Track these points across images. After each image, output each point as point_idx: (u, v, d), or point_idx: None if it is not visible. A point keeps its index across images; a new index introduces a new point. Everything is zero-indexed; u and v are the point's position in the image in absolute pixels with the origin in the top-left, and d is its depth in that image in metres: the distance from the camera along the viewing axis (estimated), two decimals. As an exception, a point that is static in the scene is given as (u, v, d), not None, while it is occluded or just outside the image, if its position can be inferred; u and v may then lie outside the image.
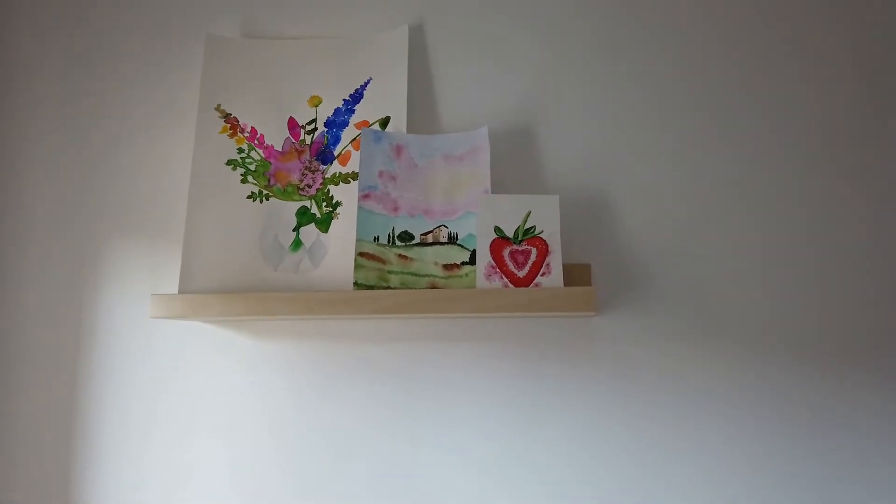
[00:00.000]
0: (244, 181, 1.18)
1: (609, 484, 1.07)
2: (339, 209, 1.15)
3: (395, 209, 1.11)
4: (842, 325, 1.07)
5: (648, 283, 1.11)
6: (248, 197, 1.17)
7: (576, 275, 1.09)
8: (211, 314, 1.06)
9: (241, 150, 1.19)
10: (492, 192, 1.11)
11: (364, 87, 1.19)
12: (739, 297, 1.09)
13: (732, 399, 1.07)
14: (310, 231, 1.15)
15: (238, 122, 1.20)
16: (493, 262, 1.05)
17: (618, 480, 1.07)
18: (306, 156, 1.18)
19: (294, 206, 1.17)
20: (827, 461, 1.04)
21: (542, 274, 1.04)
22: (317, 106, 1.20)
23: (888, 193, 1.09)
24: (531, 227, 1.06)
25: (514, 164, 1.16)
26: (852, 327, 1.07)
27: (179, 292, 1.11)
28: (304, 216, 1.16)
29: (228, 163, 1.18)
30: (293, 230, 1.16)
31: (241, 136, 1.19)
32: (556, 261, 1.05)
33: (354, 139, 1.17)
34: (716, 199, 1.12)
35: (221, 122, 1.19)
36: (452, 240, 1.10)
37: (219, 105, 1.20)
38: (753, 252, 1.10)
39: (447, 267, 1.09)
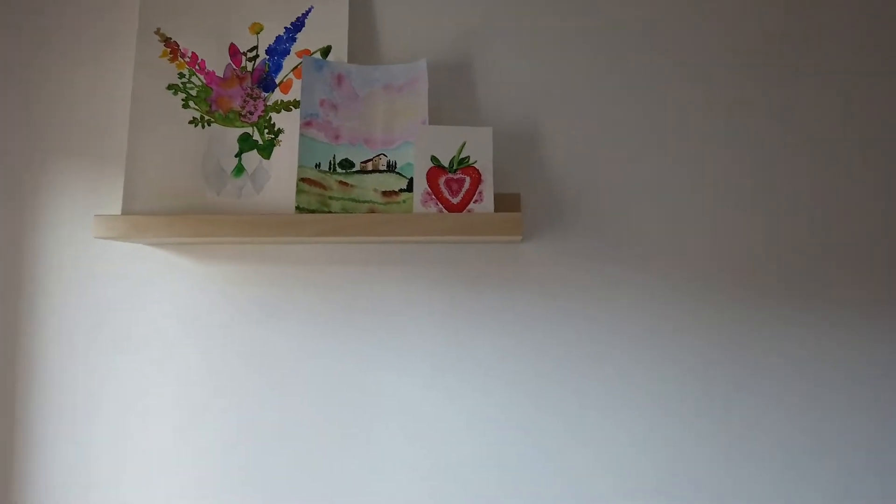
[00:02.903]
0: (185, 106, 1.19)
1: (535, 390, 1.17)
2: (280, 136, 1.19)
3: (337, 137, 1.16)
4: (761, 256, 1.18)
5: (574, 212, 1.20)
6: (190, 122, 1.19)
7: (506, 203, 1.17)
8: (154, 235, 1.09)
9: (181, 76, 1.20)
10: (429, 124, 1.16)
11: (305, 15, 1.21)
12: (661, 224, 1.19)
13: (650, 318, 1.18)
14: (252, 157, 1.19)
15: (178, 46, 1.20)
16: (429, 190, 1.12)
17: (544, 390, 1.17)
18: (248, 83, 1.20)
19: (236, 132, 1.19)
20: (737, 384, 1.17)
21: (475, 201, 1.11)
22: (258, 33, 1.21)
23: (809, 122, 1.20)
24: (465, 157, 1.13)
25: (451, 96, 1.21)
26: (773, 257, 1.18)
27: (122, 214, 1.13)
28: (246, 142, 1.19)
29: (169, 87, 1.19)
30: (235, 156, 1.19)
31: (182, 60, 1.20)
32: (487, 189, 1.12)
33: (296, 67, 1.19)
34: (641, 131, 1.21)
35: (161, 47, 1.20)
36: (391, 168, 1.16)
37: (158, 29, 1.20)
38: (675, 182, 1.20)
39: (386, 194, 1.15)
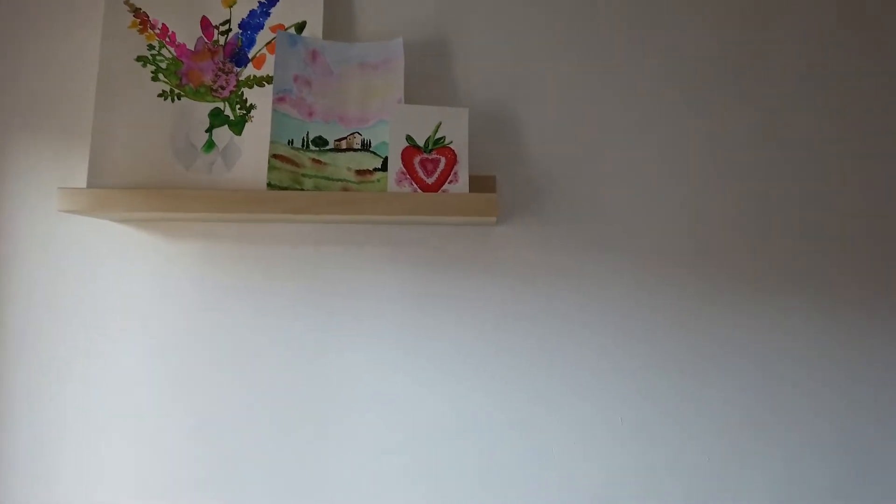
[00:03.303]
0: (155, 79, 1.16)
1: (509, 374, 1.17)
2: (253, 112, 1.16)
3: (310, 114, 1.14)
4: (743, 242, 1.19)
5: (550, 195, 1.20)
6: (160, 95, 1.16)
7: (482, 185, 1.16)
8: (120, 209, 1.07)
9: (151, 47, 1.17)
10: (405, 103, 1.15)
11: (280, -11, 1.19)
12: (637, 210, 1.19)
13: (627, 304, 1.18)
14: (223, 133, 1.16)
15: (148, 17, 1.17)
16: (403, 169, 1.10)
17: (518, 374, 1.17)
18: (220, 57, 1.18)
19: (207, 107, 1.17)
20: (712, 362, 1.17)
21: (450, 182, 1.10)
22: (231, 6, 1.18)
23: (784, 96, 1.21)
24: (441, 138, 1.12)
25: (428, 75, 1.20)
26: (757, 244, 1.19)
27: (87, 187, 1.10)
28: (217, 118, 1.17)
29: (138, 59, 1.16)
30: (206, 131, 1.16)
31: (152, 32, 1.17)
32: (463, 170, 1.11)
33: (269, 42, 1.17)
34: (619, 115, 1.21)
35: (130, 17, 1.16)
36: (365, 147, 1.14)
37: (127, -2, 1.17)
38: (652, 167, 1.20)
39: (360, 173, 1.14)
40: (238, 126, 1.16)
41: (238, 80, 1.17)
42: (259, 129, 1.15)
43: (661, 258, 1.19)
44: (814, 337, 1.18)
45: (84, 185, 1.13)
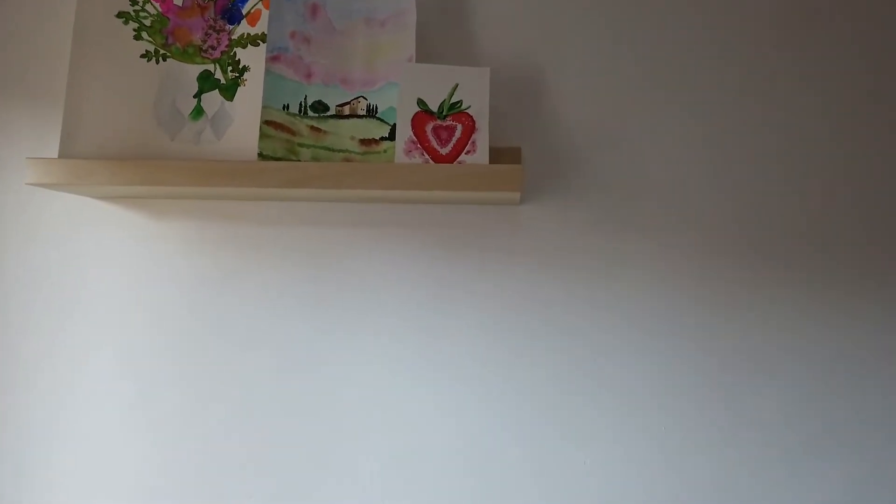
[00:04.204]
0: (138, 37, 1.04)
1: (525, 375, 1.03)
2: (246, 75, 1.03)
3: (309, 76, 1.00)
4: (782, 222, 1.03)
5: (580, 171, 1.05)
6: (143, 56, 1.03)
7: (503, 158, 1.02)
8: (97, 182, 0.95)
9: (134, 2, 1.04)
10: (416, 62, 1.01)
11: (277, -65, 1.05)
12: (676, 189, 1.04)
13: (662, 295, 1.03)
14: (213, 98, 1.03)
15: (131, -31, 1.04)
16: (414, 138, 0.96)
17: (536, 375, 1.03)
18: (210, 13, 1.05)
19: (195, 69, 1.04)
20: (745, 356, 1.02)
21: (467, 152, 0.96)
22: (223, -44, 1.05)
23: (832, 74, 1.04)
24: (457, 102, 0.97)
25: (443, 31, 1.06)
26: (790, 224, 1.03)
27: (60, 157, 0.98)
28: (206, 81, 1.04)
29: (119, 15, 1.03)
30: (194, 96, 1.03)
31: (135, -15, 1.04)
32: (482, 139, 0.96)
33: (265, -4, 1.04)
34: (658, 83, 1.05)
35: (111, -32, 1.04)
36: (371, 112, 1.01)
37: (108, -52, 1.04)
38: (694, 143, 1.04)
39: (364, 142, 1.00)
40: (230, 91, 1.03)
41: (230, 39, 1.04)
42: (253, 95, 1.02)
43: (702, 240, 1.03)
44: (882, 340, 1.01)
45: (56, 156, 1.01)
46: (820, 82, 1.04)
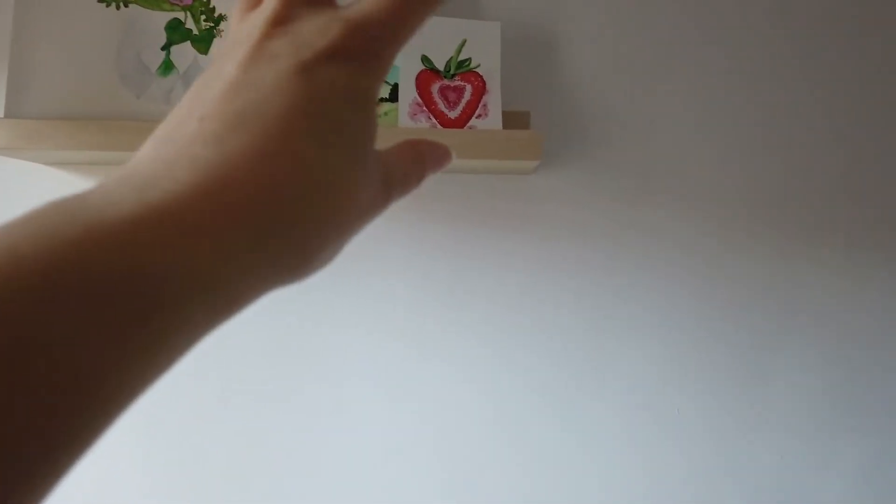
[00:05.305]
0: (94, -21, 0.90)
1: (543, 350, 0.95)
2: (223, 25, 0.91)
3: (297, 27, 0.88)
4: (805, 196, 0.97)
5: (595, 138, 0.96)
6: (101, 1, 0.89)
7: (513, 123, 0.92)
8: (49, 146, 0.82)
9: (88, -63, 0.90)
10: (419, 15, 0.90)
11: None
12: (690, 158, 0.97)
13: (678, 267, 0.96)
14: (185, 51, 0.90)
15: None
16: (419, 99, 0.86)
17: (553, 350, 0.95)
18: (179, -48, 0.91)
19: (163, 17, 0.91)
20: (762, 328, 0.97)
21: (478, 116, 0.87)
22: None
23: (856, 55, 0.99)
24: (466, 60, 0.88)
25: (448, -20, 0.95)
26: (814, 197, 0.98)
27: (5, 118, 0.84)
28: (176, 32, 0.91)
29: (71, -48, 0.89)
30: (162, 48, 0.90)
31: (89, -83, 0.90)
32: (494, 101, 0.87)
33: (244, -66, 0.91)
34: (678, 46, 0.97)
35: None
36: (369, 70, 0.89)
37: None
38: (715, 110, 0.97)
39: (361, 103, 0.89)
40: (203, 43, 0.91)
41: (203, -16, 0.91)
42: (231, 47, 0.89)
43: (727, 214, 0.96)
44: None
45: (1, 115, 0.87)
46: (851, 56, 0.98)
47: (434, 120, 0.86)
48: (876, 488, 0.95)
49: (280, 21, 0.24)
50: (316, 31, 0.24)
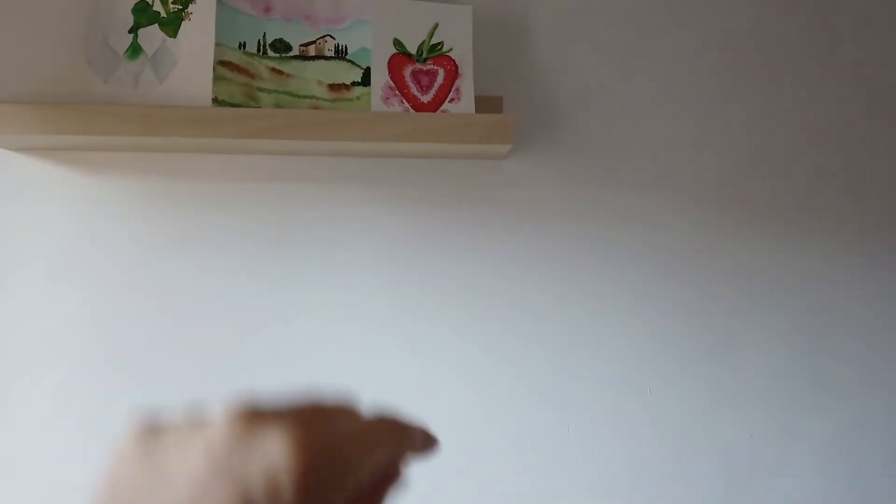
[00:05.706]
0: (58, -41, 0.88)
1: (517, 331, 0.96)
2: (191, 7, 0.89)
3: (267, 10, 0.87)
4: (774, 177, 0.99)
5: (567, 123, 0.97)
6: (65, -18, 0.88)
7: (485, 107, 0.93)
8: (12, 131, 0.80)
9: (51, -83, 0.88)
10: (391, -2, 0.89)
11: None
12: (663, 141, 0.98)
13: (650, 248, 0.97)
14: (152, 34, 0.89)
15: None
16: (391, 83, 0.86)
17: (527, 331, 0.96)
18: (146, -67, 0.90)
19: (130, 0, 0.89)
20: (732, 306, 0.98)
21: (451, 100, 0.87)
22: None
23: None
24: (438, 44, 0.87)
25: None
26: (784, 179, 0.99)
27: (-33, 102, 0.83)
28: (143, 14, 0.89)
29: (33, -69, 0.87)
30: (129, 31, 0.89)
31: None
32: (466, 86, 0.87)
33: (212, -86, 0.89)
34: (651, 30, 0.98)
35: None
36: (340, 54, 0.89)
37: None
38: (687, 97, 0.98)
39: (334, 87, 0.88)
40: (172, 25, 0.89)
41: (171, -35, 0.90)
42: (200, 30, 0.88)
43: (698, 196, 0.98)
44: (870, 287, 0.99)
45: (-38, 99, 0.85)
46: (816, 35, 0.99)
47: (407, 104, 0.85)
48: (845, 460, 0.98)
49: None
50: None
